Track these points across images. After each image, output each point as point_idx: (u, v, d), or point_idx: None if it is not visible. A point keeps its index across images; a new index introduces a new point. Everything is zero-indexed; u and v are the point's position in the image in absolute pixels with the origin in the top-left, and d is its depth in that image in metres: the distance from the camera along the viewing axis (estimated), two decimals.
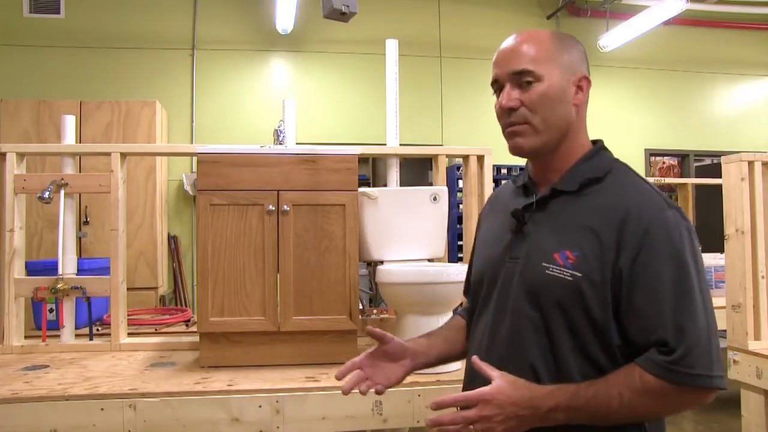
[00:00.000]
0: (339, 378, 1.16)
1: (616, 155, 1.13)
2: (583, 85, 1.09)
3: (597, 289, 0.96)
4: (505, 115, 1.07)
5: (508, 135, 1.08)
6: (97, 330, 2.40)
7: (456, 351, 1.25)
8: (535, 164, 1.12)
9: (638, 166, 6.14)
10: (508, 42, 1.09)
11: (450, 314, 1.93)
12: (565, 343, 0.99)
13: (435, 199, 2.28)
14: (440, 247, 2.31)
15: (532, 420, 0.95)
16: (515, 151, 1.08)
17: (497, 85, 1.09)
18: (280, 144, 2.50)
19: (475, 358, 1.01)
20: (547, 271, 1.00)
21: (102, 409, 1.61)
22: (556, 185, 1.06)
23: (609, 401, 0.93)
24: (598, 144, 1.12)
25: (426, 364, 1.21)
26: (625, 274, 0.95)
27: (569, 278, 0.98)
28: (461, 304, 1.89)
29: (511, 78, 1.06)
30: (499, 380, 0.96)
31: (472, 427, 0.95)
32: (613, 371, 0.96)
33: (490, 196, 1.30)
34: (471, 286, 1.21)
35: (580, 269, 0.97)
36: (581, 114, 1.10)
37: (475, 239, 1.27)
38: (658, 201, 0.99)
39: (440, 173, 2.50)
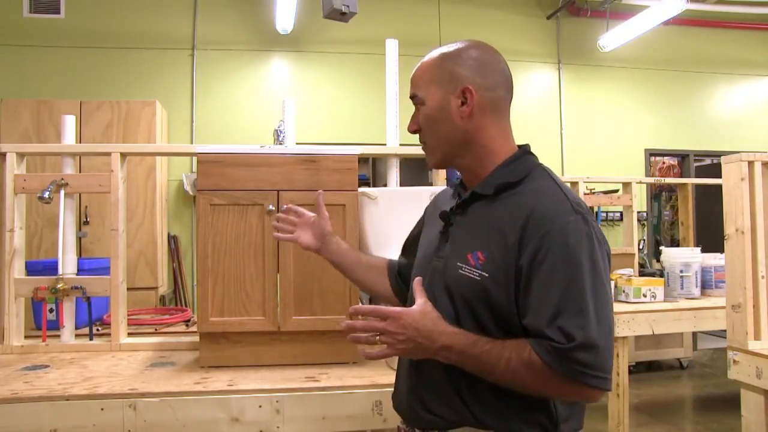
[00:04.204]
0: (281, 212, 1.49)
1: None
2: (467, 96, 1.13)
3: (501, 288, 1.04)
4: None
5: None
6: (97, 330, 2.40)
7: (364, 282, 1.46)
8: (461, 172, 1.22)
9: (638, 166, 6.15)
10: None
11: None
12: (473, 333, 1.08)
13: None
14: None
15: (427, 350, 1.06)
16: (428, 165, 1.23)
17: None
18: (280, 144, 2.50)
19: (417, 279, 1.14)
20: (459, 271, 1.09)
21: (102, 409, 1.61)
22: (475, 189, 1.15)
23: (498, 360, 1.02)
24: (521, 149, 1.18)
25: (330, 260, 1.48)
26: (524, 271, 1.03)
27: (477, 278, 1.07)
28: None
29: (413, 103, 1.20)
30: (416, 306, 1.08)
31: (378, 338, 1.07)
32: (512, 339, 1.04)
33: (435, 195, 1.39)
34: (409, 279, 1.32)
35: (487, 269, 1.06)
36: (481, 122, 1.15)
37: (419, 227, 1.39)
38: (565, 206, 1.05)
39: (440, 173, 2.50)
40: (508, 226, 1.05)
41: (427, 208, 1.37)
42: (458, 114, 1.14)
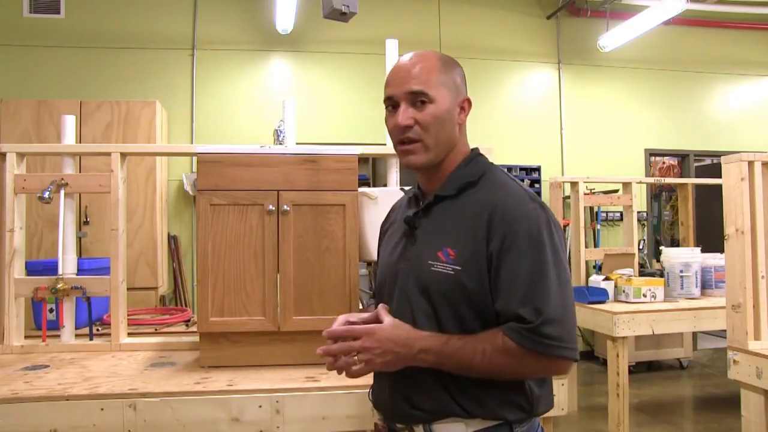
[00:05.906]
0: (329, 336, 1.19)
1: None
2: (465, 106, 1.23)
3: (474, 279, 1.11)
4: (399, 131, 1.19)
5: (402, 152, 1.22)
6: (97, 330, 2.40)
7: None
8: (423, 176, 1.27)
9: (638, 166, 6.15)
10: (403, 62, 1.22)
11: None
12: (452, 327, 1.13)
13: None
14: None
15: (405, 358, 1.11)
16: (408, 166, 1.23)
17: (391, 102, 1.21)
18: (280, 144, 2.49)
19: (382, 305, 1.19)
20: (432, 269, 1.14)
21: (102, 409, 1.61)
22: (438, 192, 1.22)
23: (474, 353, 1.08)
24: (474, 151, 1.27)
25: None
26: (494, 258, 1.10)
27: (451, 272, 1.12)
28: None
29: (407, 98, 1.18)
30: (386, 321, 1.14)
31: (356, 357, 1.12)
32: (483, 331, 1.10)
33: (389, 210, 1.44)
34: (377, 290, 1.35)
35: (459, 263, 1.12)
36: (463, 130, 1.25)
37: (378, 249, 1.41)
38: (522, 196, 1.15)
39: None
40: (474, 220, 1.13)
41: (382, 225, 1.42)
42: (457, 121, 1.22)
